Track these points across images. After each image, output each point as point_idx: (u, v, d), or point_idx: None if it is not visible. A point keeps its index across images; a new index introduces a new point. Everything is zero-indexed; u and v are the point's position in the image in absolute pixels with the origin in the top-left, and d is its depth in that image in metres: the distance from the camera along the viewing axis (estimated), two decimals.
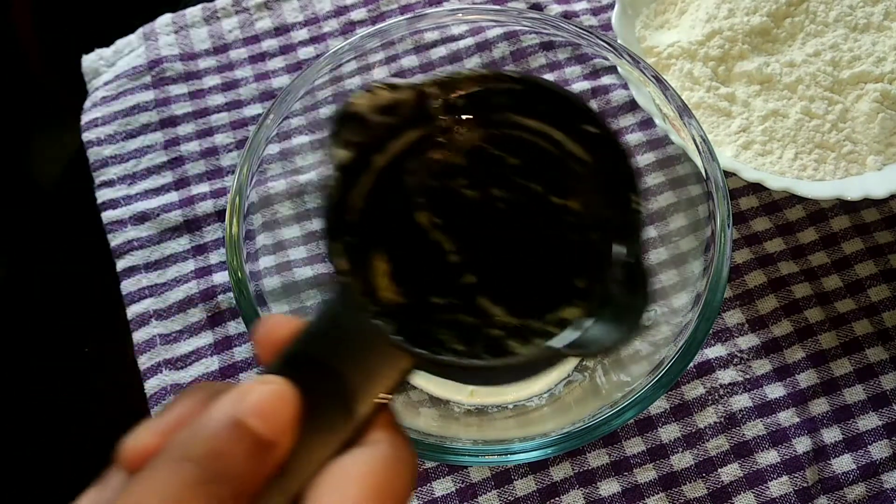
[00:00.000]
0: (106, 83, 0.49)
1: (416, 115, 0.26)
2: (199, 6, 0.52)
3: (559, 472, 0.39)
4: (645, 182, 0.42)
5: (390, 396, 0.21)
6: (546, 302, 0.24)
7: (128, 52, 0.51)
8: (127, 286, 0.44)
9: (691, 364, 0.41)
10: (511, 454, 0.31)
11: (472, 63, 0.49)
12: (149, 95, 0.49)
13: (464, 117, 0.26)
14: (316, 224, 0.44)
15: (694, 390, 0.41)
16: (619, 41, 0.44)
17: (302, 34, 0.51)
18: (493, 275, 0.25)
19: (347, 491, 0.18)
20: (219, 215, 0.46)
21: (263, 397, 0.19)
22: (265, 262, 0.40)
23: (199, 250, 0.45)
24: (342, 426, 0.20)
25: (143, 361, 0.42)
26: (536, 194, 0.26)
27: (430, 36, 0.48)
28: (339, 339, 0.21)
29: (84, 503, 0.19)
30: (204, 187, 0.46)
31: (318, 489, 0.18)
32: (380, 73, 0.48)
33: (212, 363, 0.42)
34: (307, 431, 0.20)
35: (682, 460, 0.40)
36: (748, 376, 0.41)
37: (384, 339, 0.21)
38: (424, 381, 0.40)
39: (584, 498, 0.39)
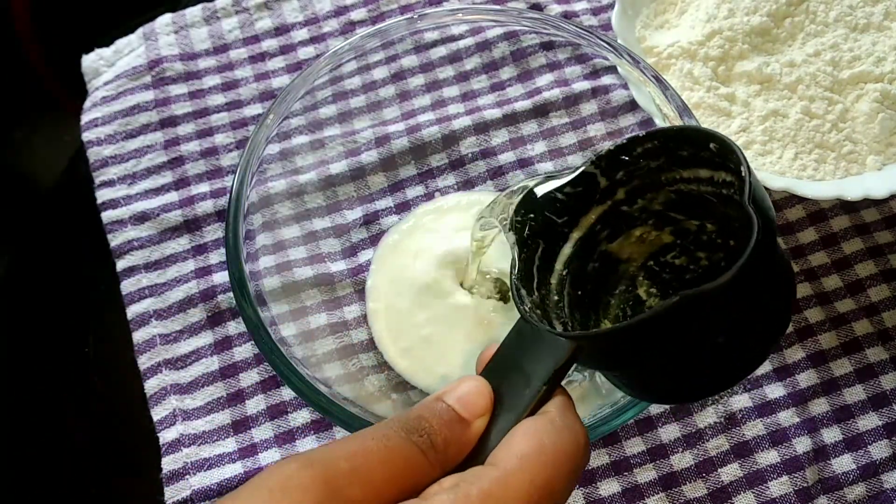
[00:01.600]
0: (106, 83, 0.49)
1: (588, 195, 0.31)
2: (199, 6, 0.52)
3: None
4: None
5: (561, 375, 0.25)
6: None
7: (128, 52, 0.51)
8: (127, 286, 0.44)
9: None
10: None
11: (473, 63, 0.49)
12: (149, 95, 0.49)
13: (629, 187, 0.30)
14: (316, 224, 0.44)
15: None
16: (619, 41, 0.44)
17: (302, 34, 0.51)
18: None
19: (514, 447, 0.23)
20: (219, 215, 0.45)
21: (464, 390, 0.25)
22: (265, 262, 0.40)
23: (199, 250, 0.45)
24: (522, 404, 0.25)
25: (143, 361, 0.42)
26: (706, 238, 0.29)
27: (430, 36, 0.48)
28: (522, 344, 0.27)
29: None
30: (204, 187, 0.46)
31: (496, 448, 0.23)
32: (380, 74, 0.48)
33: (212, 363, 0.42)
34: (498, 412, 0.25)
35: (682, 460, 0.40)
36: (748, 376, 0.41)
37: (550, 335, 0.26)
38: (426, 384, 0.40)
39: (584, 498, 0.39)
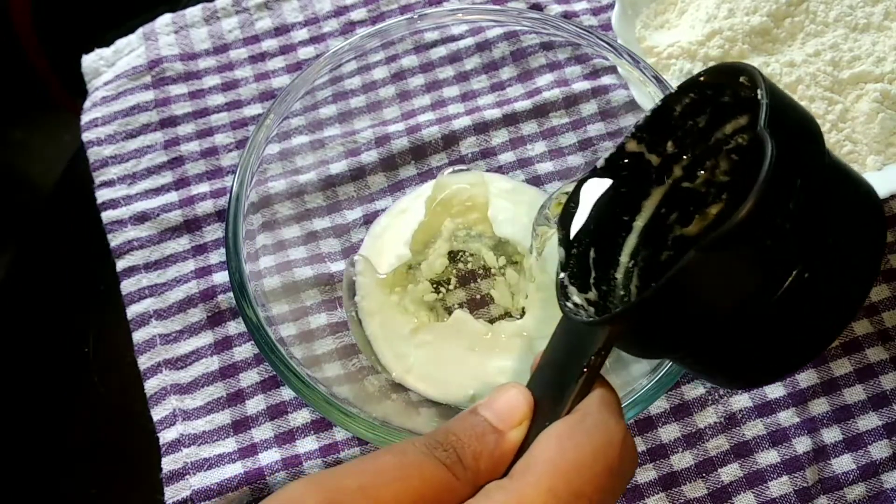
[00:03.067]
0: (106, 83, 0.49)
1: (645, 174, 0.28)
2: (199, 6, 0.52)
3: None
4: None
5: (596, 368, 0.23)
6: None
7: (128, 52, 0.51)
8: (127, 286, 0.44)
9: None
10: None
11: (473, 63, 0.49)
12: (149, 95, 0.49)
13: (681, 158, 0.27)
14: (316, 224, 0.44)
15: (694, 390, 0.41)
16: (619, 41, 0.44)
17: (302, 34, 0.51)
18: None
19: (532, 454, 0.22)
20: (219, 215, 0.45)
21: (500, 399, 0.24)
22: (265, 262, 0.40)
23: (199, 250, 0.45)
24: (560, 405, 0.23)
25: (143, 361, 0.42)
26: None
27: (430, 36, 0.48)
28: (563, 344, 0.25)
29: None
30: (204, 187, 0.46)
31: (521, 458, 0.22)
32: (380, 74, 0.48)
33: (212, 363, 0.42)
34: (538, 418, 0.23)
35: (682, 460, 0.40)
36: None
37: (585, 326, 0.24)
38: (426, 386, 0.40)
39: None
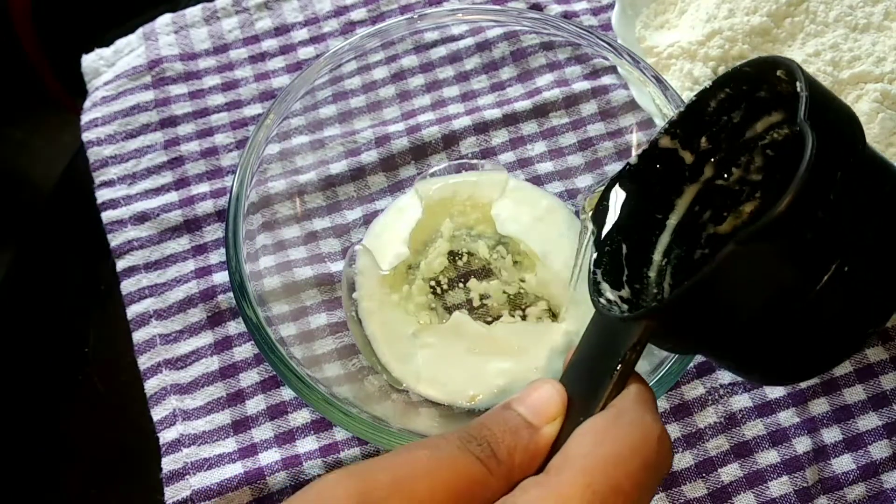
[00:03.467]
0: (106, 83, 0.49)
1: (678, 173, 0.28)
2: (199, 6, 0.52)
3: None
4: None
5: (631, 364, 0.23)
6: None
7: (128, 52, 0.51)
8: (127, 286, 0.44)
9: (691, 364, 0.41)
10: None
11: (473, 63, 0.49)
12: (149, 95, 0.49)
13: (713, 158, 0.27)
14: (316, 224, 0.44)
15: (694, 390, 0.41)
16: (619, 41, 0.44)
17: (302, 34, 0.51)
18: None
19: (570, 450, 0.22)
20: (219, 215, 0.46)
21: (534, 394, 0.24)
22: (265, 262, 0.40)
23: (199, 250, 0.45)
24: (595, 401, 0.23)
25: (143, 361, 0.42)
26: None
27: (430, 36, 0.48)
28: (597, 339, 0.25)
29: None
30: (204, 187, 0.46)
31: (557, 454, 0.22)
32: (380, 74, 0.48)
33: (212, 363, 0.42)
34: (572, 414, 0.23)
35: (682, 460, 0.40)
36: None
37: (619, 322, 0.24)
38: (426, 387, 0.40)
39: None
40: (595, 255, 0.27)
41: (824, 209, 0.20)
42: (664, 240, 0.28)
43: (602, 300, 0.26)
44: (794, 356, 0.23)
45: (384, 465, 0.21)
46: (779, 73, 0.24)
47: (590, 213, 0.28)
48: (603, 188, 0.28)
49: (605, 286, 0.26)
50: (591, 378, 0.24)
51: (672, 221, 0.28)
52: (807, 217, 0.20)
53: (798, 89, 0.22)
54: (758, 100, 0.25)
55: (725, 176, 0.27)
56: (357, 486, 0.20)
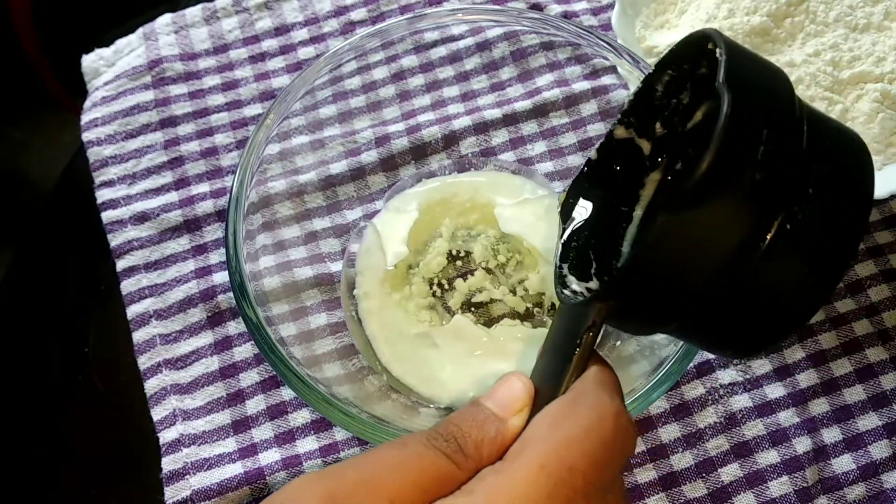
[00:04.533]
0: (106, 83, 0.49)
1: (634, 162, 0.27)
2: (199, 6, 0.52)
3: None
4: None
5: (588, 346, 0.24)
6: None
7: (128, 52, 0.51)
8: (127, 286, 0.44)
9: (691, 364, 0.41)
10: None
11: (473, 63, 0.49)
12: (149, 95, 0.49)
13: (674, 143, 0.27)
14: (316, 224, 0.44)
15: (694, 390, 0.41)
16: (619, 41, 0.44)
17: (302, 34, 0.51)
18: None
19: (525, 435, 0.22)
20: (219, 215, 0.46)
21: (500, 388, 0.25)
22: (265, 262, 0.40)
23: (199, 250, 0.45)
24: (557, 388, 0.23)
25: (143, 361, 0.42)
26: None
27: (430, 36, 0.48)
28: (560, 328, 0.25)
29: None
30: (204, 187, 0.46)
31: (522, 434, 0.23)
32: (380, 74, 0.48)
33: (212, 363, 0.42)
34: (539, 403, 0.24)
35: (682, 460, 0.40)
36: (748, 376, 0.41)
37: (576, 306, 0.24)
38: (426, 388, 0.40)
39: None
40: (561, 250, 0.27)
41: (753, 167, 0.19)
42: (632, 231, 0.27)
43: (567, 292, 0.26)
44: (757, 322, 0.22)
45: (351, 466, 0.22)
46: (709, 45, 0.24)
47: (558, 210, 0.28)
48: (569, 185, 0.29)
49: (571, 279, 0.26)
50: (555, 367, 0.24)
51: (638, 213, 0.27)
52: (733, 177, 0.19)
53: (717, 55, 0.21)
54: (700, 77, 0.25)
55: (683, 159, 0.26)
56: (326, 486, 0.21)
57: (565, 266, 0.27)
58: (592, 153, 0.28)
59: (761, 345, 0.25)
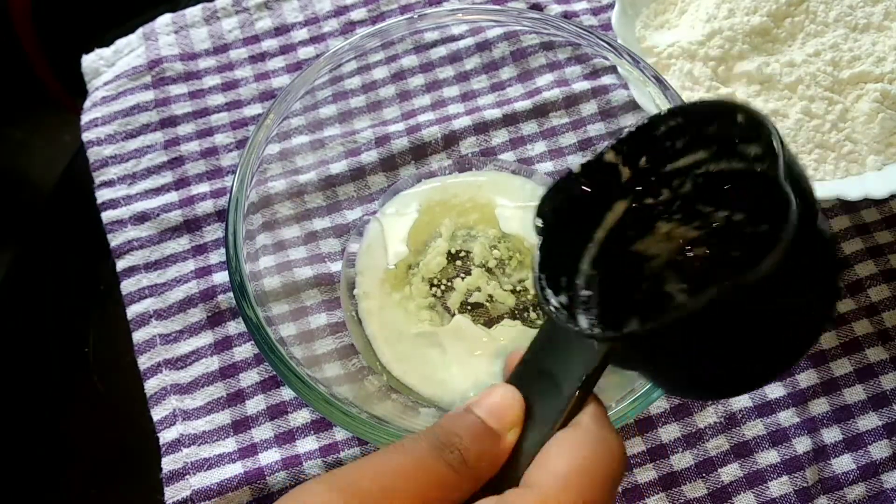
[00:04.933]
0: (106, 83, 0.49)
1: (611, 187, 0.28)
2: (199, 6, 0.52)
3: None
4: None
5: (592, 385, 0.24)
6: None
7: (128, 52, 0.51)
8: (127, 286, 0.44)
9: None
10: None
11: (473, 63, 0.49)
12: (149, 95, 0.49)
13: (652, 178, 0.28)
14: (316, 224, 0.44)
15: None
16: (619, 41, 0.44)
17: (302, 34, 0.51)
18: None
19: (551, 465, 0.22)
20: (219, 215, 0.46)
21: (494, 400, 0.24)
22: (265, 262, 0.40)
23: (199, 250, 0.45)
24: (554, 414, 0.24)
25: (143, 361, 0.42)
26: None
27: (430, 36, 0.48)
28: (550, 348, 0.25)
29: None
30: (204, 187, 0.46)
31: (531, 467, 0.23)
32: (380, 74, 0.48)
33: (212, 363, 0.42)
34: (529, 422, 0.24)
35: (682, 460, 0.40)
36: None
37: (580, 337, 0.24)
38: (426, 389, 0.40)
39: None
40: (539, 260, 0.27)
41: (793, 270, 0.21)
42: (591, 251, 0.28)
43: (551, 307, 0.26)
44: (734, 379, 0.24)
45: (366, 474, 0.22)
46: (739, 117, 0.24)
47: (533, 219, 0.28)
48: (545, 193, 0.29)
49: (549, 291, 0.27)
50: (547, 389, 0.24)
51: (600, 235, 0.28)
52: (781, 276, 0.21)
53: (774, 146, 0.22)
54: (704, 133, 0.26)
55: (654, 195, 0.28)
56: (347, 498, 0.21)
57: (543, 277, 0.27)
58: (576, 168, 0.28)
59: (732, 394, 0.26)
